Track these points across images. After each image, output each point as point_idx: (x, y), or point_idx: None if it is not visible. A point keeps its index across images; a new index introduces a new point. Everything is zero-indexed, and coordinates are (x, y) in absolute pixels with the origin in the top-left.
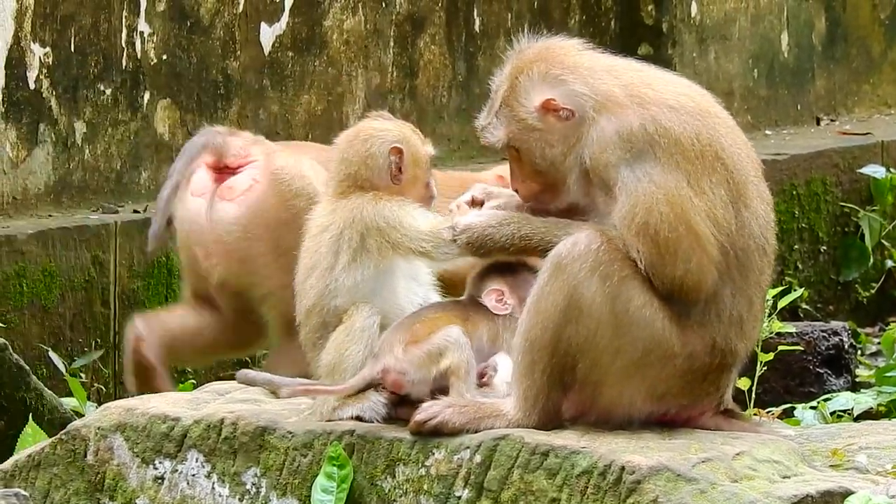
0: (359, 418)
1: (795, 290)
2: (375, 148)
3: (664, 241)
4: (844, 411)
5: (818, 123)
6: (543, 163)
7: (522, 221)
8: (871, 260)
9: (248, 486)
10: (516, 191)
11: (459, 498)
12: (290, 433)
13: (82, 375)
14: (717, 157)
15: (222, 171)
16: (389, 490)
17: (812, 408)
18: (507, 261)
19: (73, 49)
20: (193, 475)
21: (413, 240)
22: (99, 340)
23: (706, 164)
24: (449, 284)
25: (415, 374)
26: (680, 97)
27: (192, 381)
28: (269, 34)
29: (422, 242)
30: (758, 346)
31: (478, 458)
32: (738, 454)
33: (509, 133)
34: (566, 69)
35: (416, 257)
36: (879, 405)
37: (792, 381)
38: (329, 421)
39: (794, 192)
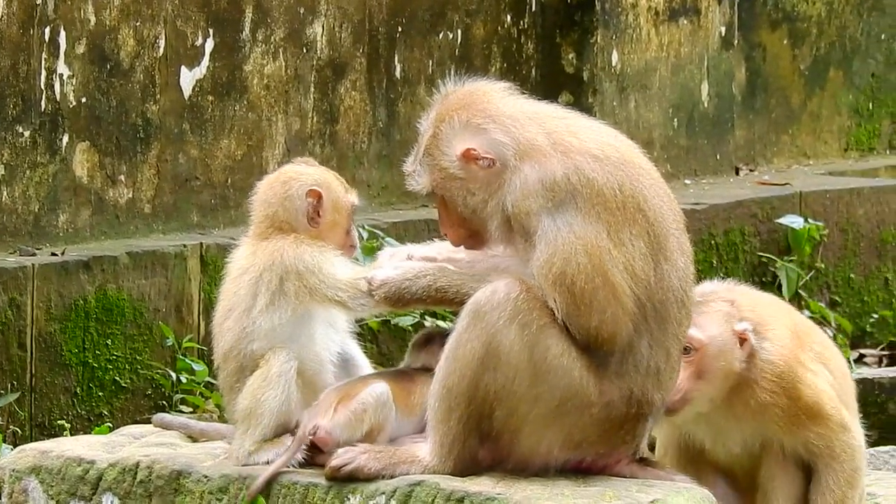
0: None
1: None
2: (294, 190)
3: (580, 292)
4: None
5: (737, 173)
6: (466, 210)
7: (438, 273)
8: None
9: None
10: (445, 236)
11: None
12: (206, 477)
13: None
14: (638, 208)
15: None
16: None
17: None
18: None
19: None
20: None
21: (330, 287)
22: (15, 383)
23: (627, 215)
24: None
25: (341, 435)
26: (605, 147)
27: (109, 424)
28: (189, 78)
29: (339, 291)
30: None
31: None
32: (652, 502)
33: (433, 181)
34: (488, 117)
35: (332, 306)
36: None
37: None
38: (245, 465)
39: (713, 242)
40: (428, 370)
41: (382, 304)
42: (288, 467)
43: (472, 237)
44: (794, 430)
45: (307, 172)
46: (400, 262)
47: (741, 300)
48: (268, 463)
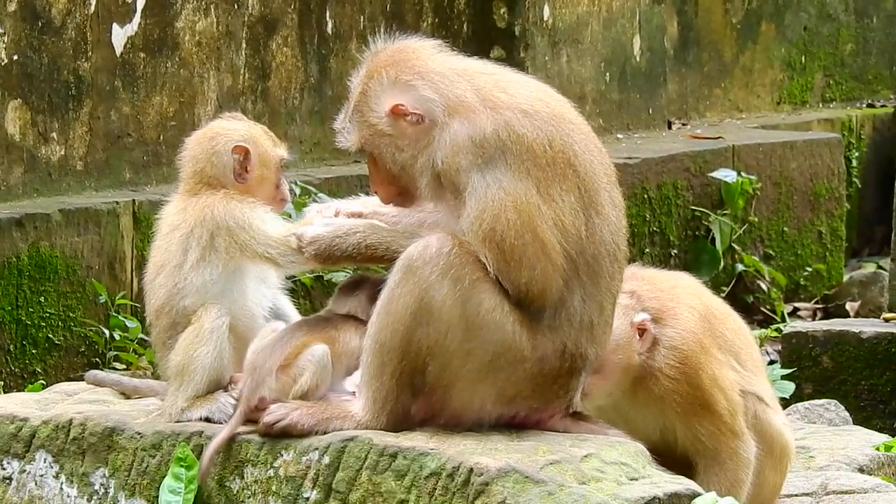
0: (207, 419)
1: None
2: (220, 146)
3: (510, 248)
4: None
5: (670, 127)
6: (395, 167)
7: (368, 230)
8: (722, 264)
9: (96, 487)
10: (376, 193)
11: (308, 499)
12: (139, 434)
13: None
14: (568, 163)
15: None
16: (238, 491)
17: None
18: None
19: None
20: (42, 476)
21: (260, 244)
22: None
23: (557, 170)
24: None
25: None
26: (534, 102)
27: (42, 381)
28: (120, 35)
29: (269, 248)
30: None
31: (326, 460)
32: (585, 456)
33: (362, 137)
34: (416, 74)
35: (262, 262)
36: None
37: None
38: (178, 422)
39: (646, 196)
40: (353, 318)
41: (312, 261)
42: (220, 422)
43: (402, 194)
44: (690, 420)
45: (234, 128)
46: (331, 219)
47: (642, 289)
48: (201, 419)
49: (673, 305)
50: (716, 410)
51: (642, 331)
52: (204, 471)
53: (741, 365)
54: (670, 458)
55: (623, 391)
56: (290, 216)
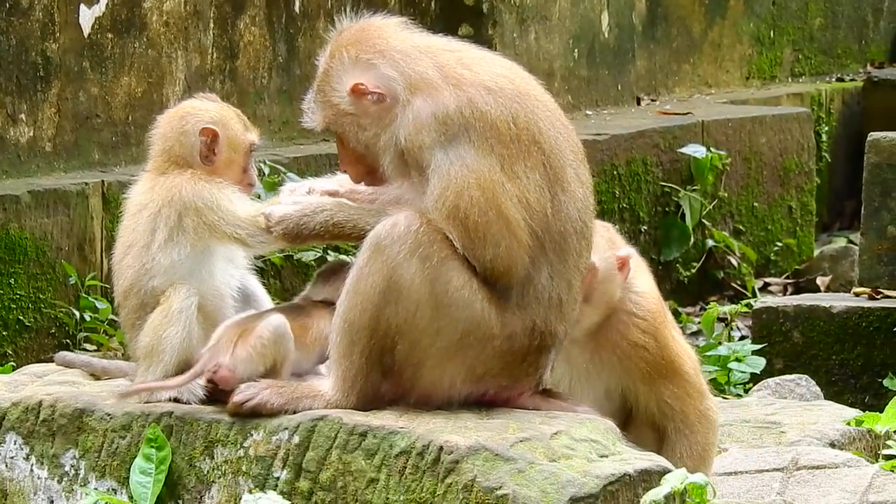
0: (177, 400)
1: None
2: (189, 126)
3: (474, 226)
4: None
5: (639, 103)
6: (360, 145)
7: (336, 208)
8: (692, 240)
9: (66, 468)
10: (346, 172)
11: (278, 479)
12: (109, 415)
13: None
14: (533, 140)
15: None
16: (208, 471)
17: None
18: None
19: None
20: (12, 458)
21: (229, 224)
22: None
23: (522, 148)
24: None
25: (243, 372)
26: (498, 79)
27: (12, 363)
28: (88, 16)
29: (237, 228)
30: None
31: (296, 439)
32: (555, 433)
33: (325, 118)
34: (377, 52)
35: (231, 242)
36: None
37: None
38: (147, 403)
39: (615, 173)
40: (328, 304)
41: (281, 240)
42: (189, 402)
43: (371, 173)
44: (654, 382)
45: (205, 109)
46: (298, 198)
47: (616, 238)
48: (170, 400)
49: (640, 268)
50: (682, 370)
51: (622, 265)
52: (126, 393)
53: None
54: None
55: (587, 341)
56: (259, 197)
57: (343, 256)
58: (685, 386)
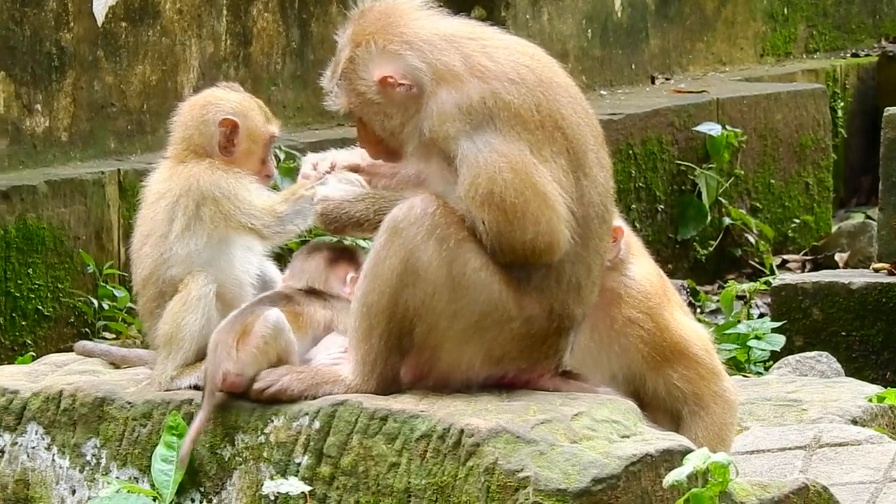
0: (196, 387)
1: None
2: (210, 115)
3: (511, 207)
4: None
5: (653, 82)
6: (384, 132)
7: (377, 198)
8: (709, 218)
9: (88, 458)
10: (364, 150)
11: (299, 464)
12: (129, 403)
13: None
14: (556, 126)
15: None
16: (229, 458)
17: None
18: (347, 247)
19: None
20: (34, 448)
21: (245, 214)
22: None
23: (546, 133)
24: None
25: (250, 373)
26: (520, 68)
27: (32, 353)
28: (102, 5)
29: (253, 218)
30: None
31: (317, 425)
32: (576, 415)
33: (350, 103)
34: (404, 42)
35: (246, 233)
36: None
37: None
38: (167, 391)
39: (631, 152)
40: (312, 290)
41: (318, 221)
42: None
43: (389, 155)
44: (660, 366)
45: (226, 99)
46: (345, 184)
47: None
48: (190, 387)
49: (637, 248)
50: (689, 352)
51: (615, 237)
52: (183, 458)
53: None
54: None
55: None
56: (276, 188)
57: (324, 238)
58: (696, 367)
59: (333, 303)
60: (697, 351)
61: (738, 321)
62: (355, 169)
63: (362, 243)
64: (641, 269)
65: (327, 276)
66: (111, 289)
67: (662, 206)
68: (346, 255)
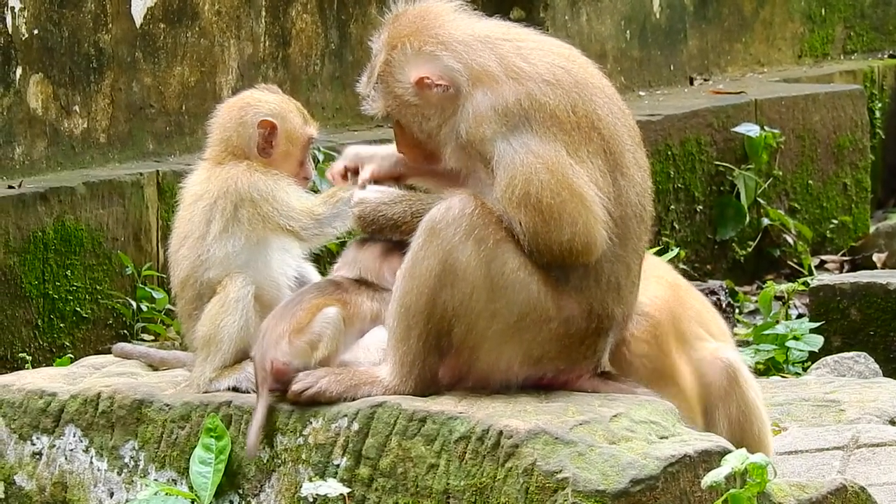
0: (235, 389)
1: (672, 251)
2: (248, 117)
3: (548, 208)
4: None
5: (691, 83)
6: (422, 134)
7: (414, 199)
8: (747, 218)
9: (126, 460)
10: (403, 154)
11: (338, 466)
12: (168, 406)
13: None
14: (593, 127)
15: None
16: (268, 460)
17: None
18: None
19: None
20: (71, 450)
21: (283, 216)
22: None
23: (583, 134)
24: None
25: (298, 365)
26: (556, 70)
27: (70, 355)
28: (140, 6)
29: (291, 220)
30: None
31: (355, 426)
32: (615, 416)
33: (387, 106)
34: (440, 44)
35: (284, 234)
36: (757, 363)
37: None
38: (206, 392)
39: (669, 153)
40: (363, 281)
41: (356, 223)
42: (248, 391)
43: (427, 157)
44: (659, 389)
45: (265, 101)
46: (382, 187)
47: None
48: (229, 389)
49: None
50: (678, 383)
51: None
52: (251, 449)
53: (710, 334)
54: None
55: None
56: (315, 190)
57: None
58: (679, 398)
59: (383, 295)
60: (685, 385)
61: (777, 322)
62: (396, 178)
63: None
64: (650, 297)
65: (380, 267)
66: (150, 290)
67: (701, 207)
68: (399, 248)
